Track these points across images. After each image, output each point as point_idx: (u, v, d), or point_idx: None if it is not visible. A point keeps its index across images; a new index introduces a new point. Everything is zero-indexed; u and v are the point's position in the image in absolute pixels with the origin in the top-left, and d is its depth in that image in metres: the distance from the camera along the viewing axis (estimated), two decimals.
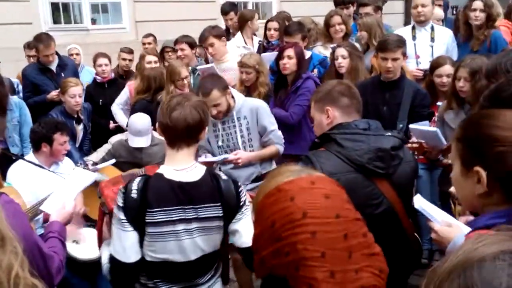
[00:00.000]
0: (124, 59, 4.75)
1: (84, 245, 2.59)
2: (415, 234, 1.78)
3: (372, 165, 1.65)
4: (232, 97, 2.81)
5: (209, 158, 2.83)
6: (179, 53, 4.12)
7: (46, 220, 2.36)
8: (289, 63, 3.30)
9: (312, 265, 0.86)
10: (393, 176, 1.70)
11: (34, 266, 1.20)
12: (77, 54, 4.98)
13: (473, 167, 1.08)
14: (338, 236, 0.88)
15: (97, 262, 2.50)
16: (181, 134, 1.61)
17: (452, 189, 1.90)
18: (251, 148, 2.86)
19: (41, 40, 4.16)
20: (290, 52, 3.31)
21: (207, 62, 4.41)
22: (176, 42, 4.18)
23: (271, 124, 2.85)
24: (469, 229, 1.62)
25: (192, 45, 4.15)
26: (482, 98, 1.49)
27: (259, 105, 2.85)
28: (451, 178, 1.22)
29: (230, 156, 2.77)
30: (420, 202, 1.67)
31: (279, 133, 2.90)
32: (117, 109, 4.12)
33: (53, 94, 4.07)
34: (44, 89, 4.18)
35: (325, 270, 0.86)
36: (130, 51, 4.80)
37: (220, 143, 2.88)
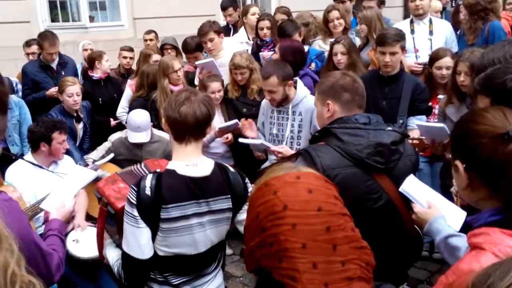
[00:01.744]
0: (125, 57, 4.74)
1: (85, 244, 2.60)
2: (416, 227, 1.78)
3: (372, 160, 1.65)
4: (295, 88, 2.83)
5: (250, 140, 2.87)
6: (192, 61, 4.15)
7: (47, 219, 2.35)
8: (274, 57, 3.38)
9: (293, 256, 0.88)
10: (393, 171, 1.70)
11: (33, 264, 1.20)
12: (91, 49, 5.00)
13: (455, 160, 1.12)
14: (319, 229, 0.89)
15: (98, 260, 2.52)
16: (190, 128, 1.61)
17: (453, 189, 1.91)
18: (298, 146, 2.85)
19: (47, 38, 4.17)
20: (276, 47, 3.40)
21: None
22: (187, 51, 4.19)
23: None
24: (456, 210, 1.65)
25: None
26: (476, 82, 1.50)
27: None
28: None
29: (273, 147, 2.79)
30: (409, 184, 1.68)
31: None
32: (123, 113, 4.07)
33: (52, 90, 4.07)
34: (44, 87, 4.19)
35: (306, 261, 0.87)
36: (131, 49, 4.80)
37: (274, 131, 2.92)
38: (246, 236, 0.99)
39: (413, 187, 1.68)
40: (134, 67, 4.85)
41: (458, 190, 1.19)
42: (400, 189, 1.67)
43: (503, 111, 1.09)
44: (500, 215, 1.05)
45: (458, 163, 1.11)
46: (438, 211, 1.61)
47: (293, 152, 2.76)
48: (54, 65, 4.30)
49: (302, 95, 2.84)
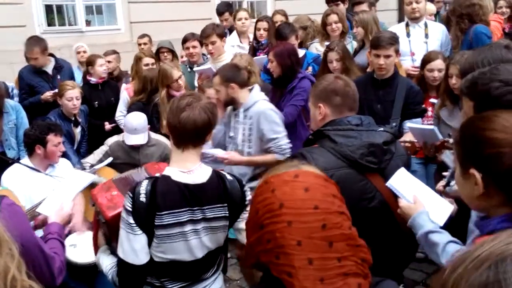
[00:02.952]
0: (109, 62, 4.75)
1: (82, 249, 2.59)
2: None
3: (365, 160, 1.68)
4: (250, 92, 2.87)
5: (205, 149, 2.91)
6: (191, 50, 4.12)
7: (36, 226, 2.34)
8: (272, 66, 3.38)
9: (289, 252, 0.90)
10: (385, 170, 1.73)
11: (36, 268, 1.22)
12: (84, 51, 5.05)
13: (469, 169, 1.10)
14: (315, 226, 0.91)
15: (95, 265, 2.52)
16: (189, 136, 1.61)
17: (438, 186, 1.93)
18: (249, 149, 2.89)
19: (26, 44, 4.20)
20: (270, 56, 3.40)
21: None
22: (186, 40, 4.17)
23: (272, 132, 2.81)
24: (443, 204, 1.66)
25: (201, 43, 4.17)
26: (462, 83, 1.53)
27: (263, 111, 2.83)
28: (455, 179, 1.23)
29: (219, 154, 2.82)
30: (397, 178, 1.70)
31: (283, 142, 2.84)
32: (121, 117, 4.04)
33: (47, 94, 4.07)
34: (39, 91, 4.19)
35: (302, 258, 0.89)
36: (114, 52, 4.87)
37: (231, 134, 2.96)
38: (247, 231, 1.02)
39: (401, 182, 1.70)
40: (127, 70, 4.89)
41: (466, 198, 1.17)
42: (387, 184, 1.69)
43: None
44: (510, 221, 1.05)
45: (474, 171, 1.08)
46: (422, 206, 1.64)
47: (239, 157, 2.83)
48: (49, 69, 4.30)
49: (255, 99, 2.86)
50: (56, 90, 4.00)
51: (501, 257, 0.55)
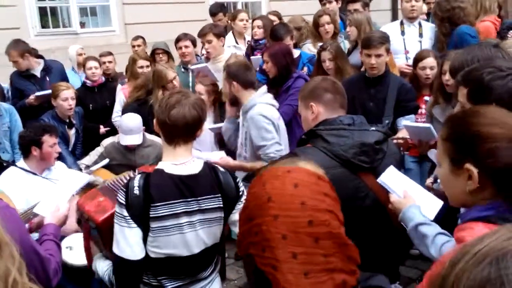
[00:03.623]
0: (107, 63, 4.75)
1: (78, 251, 2.58)
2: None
3: (357, 160, 1.69)
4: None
5: (199, 153, 2.93)
6: (183, 50, 4.14)
7: (31, 229, 2.33)
8: (267, 67, 3.38)
9: (274, 246, 0.91)
10: (378, 169, 1.74)
11: (32, 270, 1.21)
12: (85, 54, 5.04)
13: (463, 165, 1.10)
14: (301, 221, 0.92)
15: (91, 267, 2.51)
16: (180, 132, 1.64)
17: (427, 182, 1.95)
18: (246, 153, 2.89)
19: (6, 48, 4.16)
20: (265, 56, 3.39)
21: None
22: (179, 40, 4.19)
23: (260, 139, 2.73)
24: (433, 199, 1.68)
25: (194, 43, 4.17)
26: (459, 74, 1.56)
27: (253, 116, 2.75)
28: (439, 176, 1.25)
29: (212, 159, 2.78)
30: (387, 175, 1.72)
31: (271, 150, 2.73)
32: (118, 117, 4.00)
33: (31, 98, 4.01)
34: (28, 94, 4.14)
35: (286, 251, 0.91)
36: (109, 53, 4.85)
37: (239, 134, 2.97)
38: (239, 222, 1.03)
39: (392, 178, 1.72)
40: (122, 71, 4.88)
41: (455, 193, 1.17)
42: (378, 180, 1.71)
43: (505, 111, 1.11)
44: (492, 210, 1.07)
45: (470, 167, 1.09)
46: (412, 200, 1.66)
47: (231, 163, 2.80)
48: (37, 71, 4.25)
49: (254, 102, 2.79)
50: (38, 94, 3.96)
51: (502, 253, 0.55)
